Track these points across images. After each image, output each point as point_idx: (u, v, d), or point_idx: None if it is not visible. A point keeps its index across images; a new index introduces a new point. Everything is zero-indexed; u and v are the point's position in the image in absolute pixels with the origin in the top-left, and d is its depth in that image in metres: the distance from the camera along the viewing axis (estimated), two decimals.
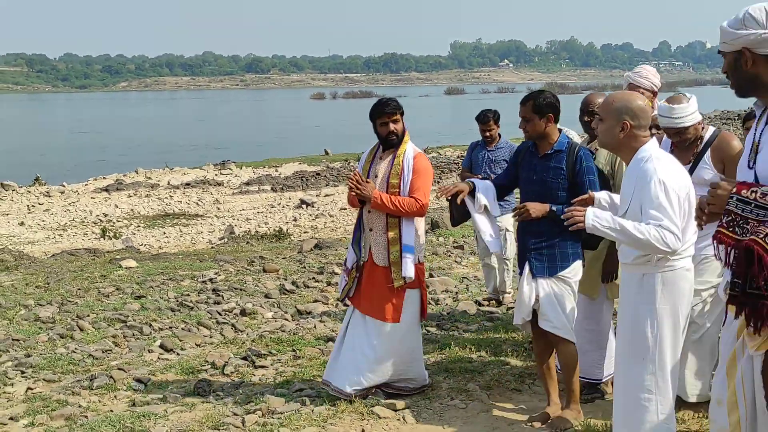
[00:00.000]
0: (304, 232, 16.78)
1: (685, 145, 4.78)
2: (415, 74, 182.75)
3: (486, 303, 8.04)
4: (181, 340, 7.05)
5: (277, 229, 16.55)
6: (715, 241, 2.98)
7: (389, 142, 5.32)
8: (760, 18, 2.96)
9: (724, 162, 4.71)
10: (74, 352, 6.70)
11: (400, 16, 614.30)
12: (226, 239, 15.85)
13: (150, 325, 7.48)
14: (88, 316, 7.88)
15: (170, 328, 7.48)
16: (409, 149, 5.34)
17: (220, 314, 7.93)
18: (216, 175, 27.48)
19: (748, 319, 2.92)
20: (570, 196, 4.65)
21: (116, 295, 8.91)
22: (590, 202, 4.22)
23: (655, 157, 3.80)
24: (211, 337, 7.25)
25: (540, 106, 4.76)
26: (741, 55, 3.03)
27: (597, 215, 3.80)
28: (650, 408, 3.86)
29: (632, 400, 3.92)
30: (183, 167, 29.79)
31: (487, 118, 7.82)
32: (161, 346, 6.86)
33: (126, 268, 10.46)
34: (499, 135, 7.92)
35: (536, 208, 4.71)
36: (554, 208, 4.68)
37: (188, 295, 8.83)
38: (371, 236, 5.32)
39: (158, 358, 6.63)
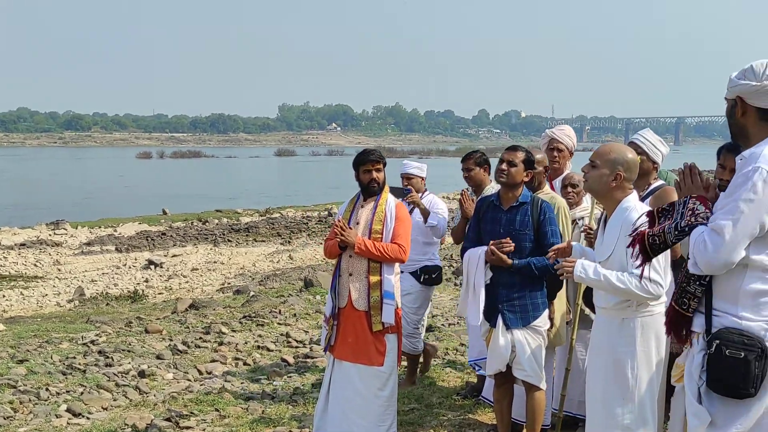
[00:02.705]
0: (159, 293, 16.21)
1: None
2: (244, 135, 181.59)
3: None
4: (86, 404, 6.63)
5: (130, 290, 15.91)
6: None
7: (370, 190, 5.41)
8: (758, 71, 3.10)
9: None
10: None
11: (227, 77, 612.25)
12: (76, 301, 15.04)
13: (46, 390, 6.98)
14: None
15: (68, 392, 7.02)
16: (390, 198, 5.45)
17: (117, 376, 7.52)
18: (50, 235, 26.03)
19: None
20: (534, 246, 4.83)
21: None
22: (568, 249, 4.39)
23: (639, 207, 4.03)
24: (115, 400, 6.87)
25: (530, 161, 4.97)
26: (735, 103, 3.17)
27: (584, 266, 4.00)
28: None
29: None
30: (11, 227, 27.99)
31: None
32: (69, 411, 6.42)
33: None
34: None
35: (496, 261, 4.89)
36: (514, 263, 4.86)
37: (74, 357, 8.30)
38: (351, 281, 5.33)
39: (68, 423, 6.19)
